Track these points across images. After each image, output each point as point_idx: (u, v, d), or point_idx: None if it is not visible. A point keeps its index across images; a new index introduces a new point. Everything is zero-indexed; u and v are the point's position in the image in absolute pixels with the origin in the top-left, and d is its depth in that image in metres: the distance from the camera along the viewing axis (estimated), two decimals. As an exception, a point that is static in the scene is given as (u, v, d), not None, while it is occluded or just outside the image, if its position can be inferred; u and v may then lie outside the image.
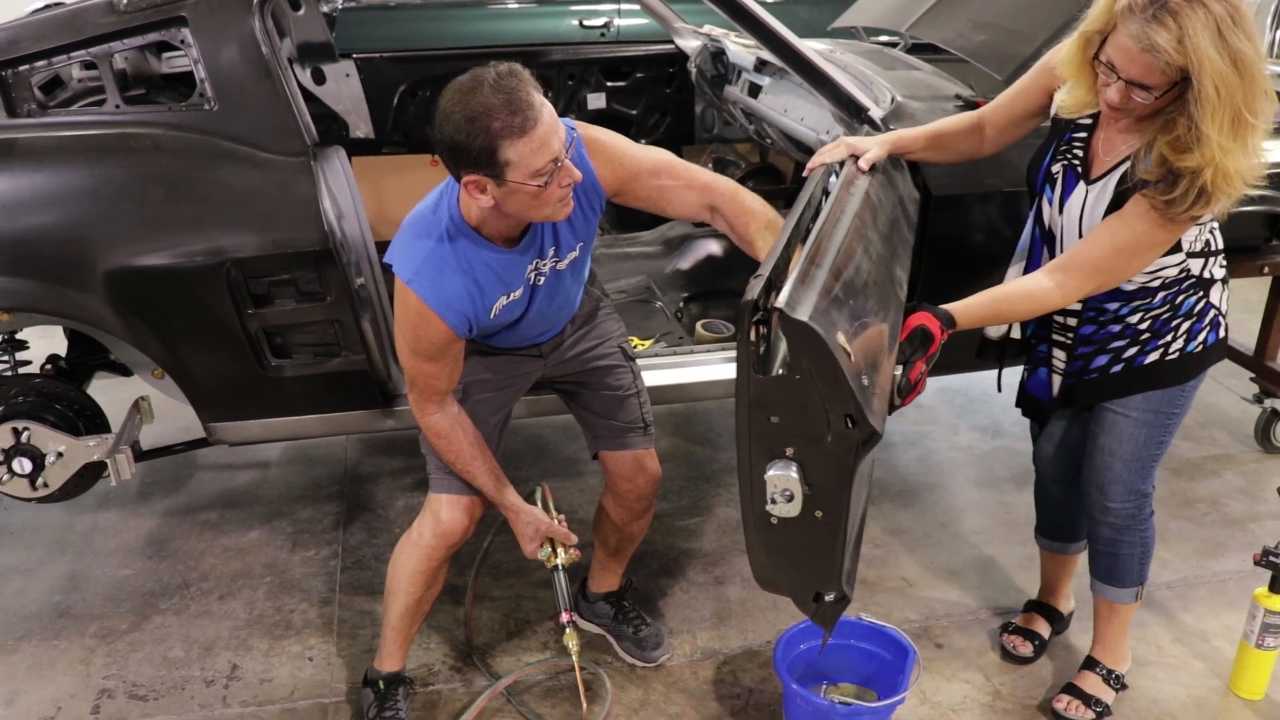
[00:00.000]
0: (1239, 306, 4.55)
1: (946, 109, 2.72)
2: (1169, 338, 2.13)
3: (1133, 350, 2.15)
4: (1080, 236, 2.06)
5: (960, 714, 2.47)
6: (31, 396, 2.63)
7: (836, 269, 1.73)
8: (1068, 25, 2.54)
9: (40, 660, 2.65)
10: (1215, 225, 2.09)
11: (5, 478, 2.57)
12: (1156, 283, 2.08)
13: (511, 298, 2.07)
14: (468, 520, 2.27)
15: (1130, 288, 2.09)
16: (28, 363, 2.84)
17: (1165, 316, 2.12)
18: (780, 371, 1.69)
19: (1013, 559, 3.02)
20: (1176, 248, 2.02)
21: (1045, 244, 2.18)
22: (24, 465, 2.56)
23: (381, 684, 2.38)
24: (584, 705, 2.35)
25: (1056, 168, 2.11)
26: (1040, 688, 2.55)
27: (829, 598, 1.80)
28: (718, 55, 3.74)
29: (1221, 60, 1.72)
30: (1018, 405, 2.45)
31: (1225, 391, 3.99)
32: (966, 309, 2.00)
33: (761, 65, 3.34)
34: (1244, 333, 3.83)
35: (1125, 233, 1.94)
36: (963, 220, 2.63)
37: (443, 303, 1.96)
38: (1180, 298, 2.10)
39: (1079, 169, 2.07)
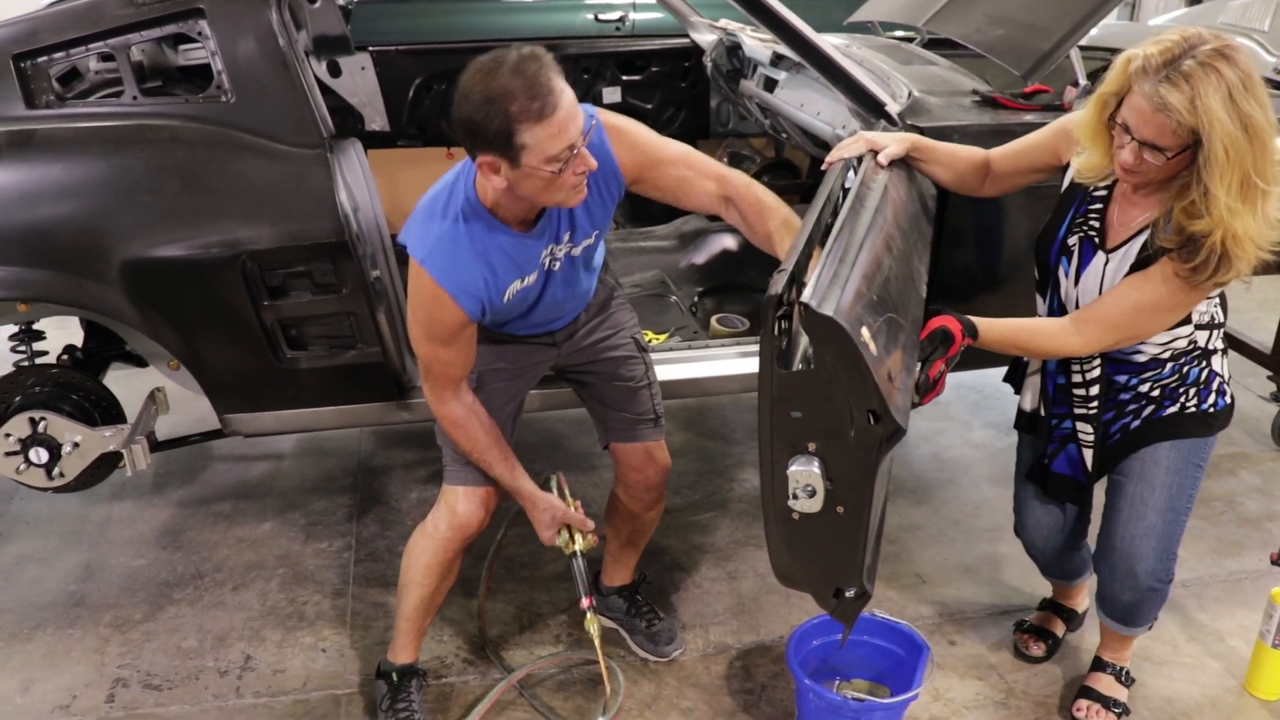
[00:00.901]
0: (1256, 304, 4.55)
1: (964, 104, 2.71)
2: (1182, 399, 2.15)
3: (1150, 408, 2.17)
4: None
5: (973, 711, 2.46)
6: (48, 387, 2.64)
7: (860, 264, 1.72)
8: (1086, 21, 2.56)
9: (55, 649, 2.66)
10: (1218, 301, 2.12)
11: (22, 467, 2.58)
12: (1166, 354, 2.11)
13: (525, 282, 2.06)
14: (484, 512, 2.27)
15: (1141, 359, 2.12)
16: (45, 353, 2.84)
17: (1173, 385, 2.14)
18: (803, 366, 1.69)
19: (1026, 557, 3.00)
20: (1186, 320, 2.05)
21: (1059, 314, 2.18)
22: (41, 455, 2.57)
23: (395, 676, 2.39)
24: (607, 689, 2.35)
25: (1073, 240, 2.11)
26: (1054, 685, 2.54)
27: (849, 593, 1.80)
28: (733, 49, 3.73)
29: (1231, 123, 1.76)
30: (1033, 480, 2.42)
31: (1242, 390, 3.96)
32: (989, 326, 2.02)
33: (778, 60, 3.33)
34: (1261, 331, 3.81)
35: (1149, 293, 1.96)
36: (979, 217, 2.62)
37: (456, 285, 1.95)
38: (1186, 367, 2.13)
39: (1096, 240, 2.08)
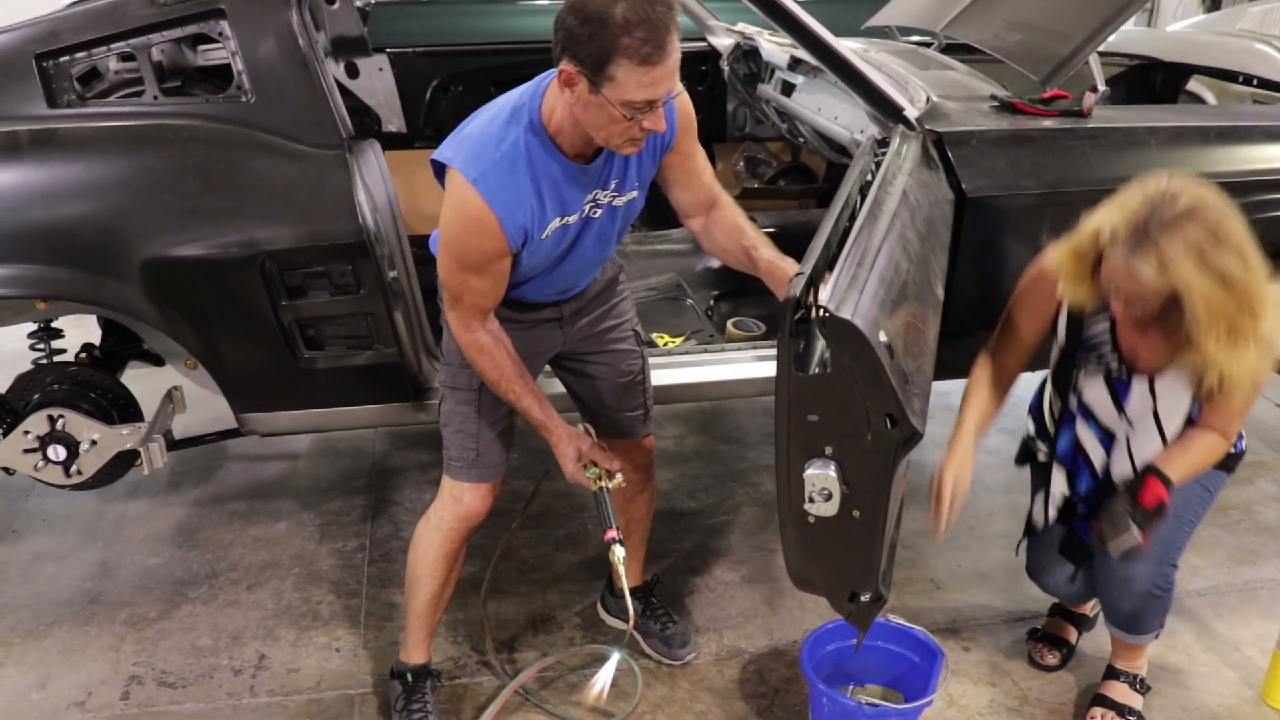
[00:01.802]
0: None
1: (982, 109, 2.70)
2: None
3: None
4: (1158, 422, 2.14)
5: (987, 718, 2.46)
6: (67, 385, 2.65)
7: (877, 268, 1.72)
8: (1106, 26, 2.55)
9: (71, 646, 2.68)
10: None
11: (40, 464, 2.59)
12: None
13: (565, 222, 2.01)
14: (491, 500, 2.29)
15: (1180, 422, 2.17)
16: (63, 351, 2.86)
17: None
18: (821, 369, 1.69)
19: (1042, 563, 3.00)
20: None
21: (1108, 439, 2.22)
22: (59, 452, 2.58)
23: (409, 677, 2.39)
24: (631, 617, 2.23)
25: (1094, 385, 2.17)
26: (1069, 692, 2.53)
27: (865, 598, 1.80)
28: (751, 53, 3.72)
29: (1207, 282, 1.78)
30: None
31: (1259, 399, 3.93)
32: (1176, 473, 2.10)
33: (795, 64, 3.33)
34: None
35: (1238, 396, 2.01)
36: (996, 223, 2.61)
37: (506, 209, 1.89)
38: None
39: (1123, 373, 2.12)
